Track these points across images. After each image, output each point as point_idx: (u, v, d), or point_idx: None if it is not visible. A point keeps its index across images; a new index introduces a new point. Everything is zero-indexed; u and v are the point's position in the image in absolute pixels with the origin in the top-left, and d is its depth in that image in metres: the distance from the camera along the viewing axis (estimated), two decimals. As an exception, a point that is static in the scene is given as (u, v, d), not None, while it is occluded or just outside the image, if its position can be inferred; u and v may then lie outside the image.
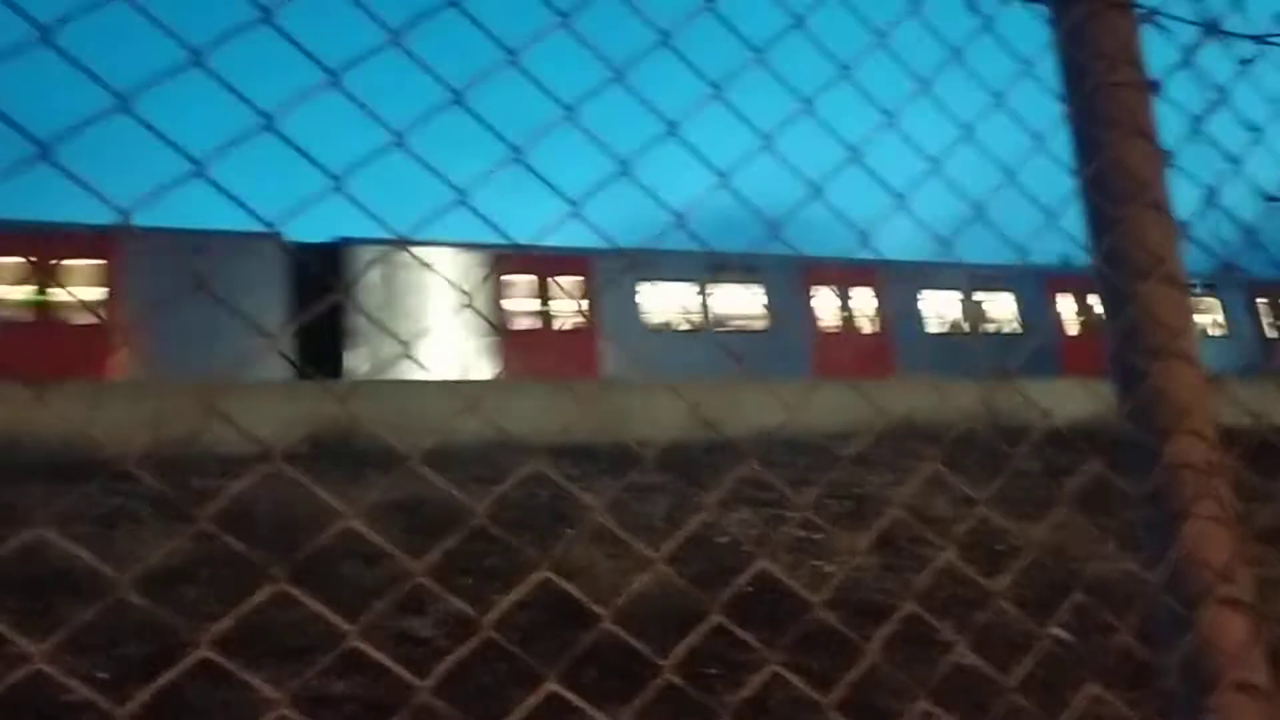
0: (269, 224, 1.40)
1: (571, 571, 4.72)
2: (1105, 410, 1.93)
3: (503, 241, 1.73)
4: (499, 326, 17.37)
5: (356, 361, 15.34)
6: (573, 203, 1.77)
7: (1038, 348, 18.88)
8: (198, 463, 8.32)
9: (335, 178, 1.52)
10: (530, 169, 1.67)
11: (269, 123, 1.45)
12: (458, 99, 1.60)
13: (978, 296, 21.43)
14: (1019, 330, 21.59)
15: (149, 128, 1.31)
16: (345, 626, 1.34)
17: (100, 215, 1.27)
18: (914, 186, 2.13)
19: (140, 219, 1.23)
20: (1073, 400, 4.36)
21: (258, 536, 4.82)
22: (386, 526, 5.70)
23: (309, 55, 1.50)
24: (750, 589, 4.91)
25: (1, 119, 1.18)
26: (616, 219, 1.84)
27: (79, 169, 1.25)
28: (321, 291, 1.54)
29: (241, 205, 1.44)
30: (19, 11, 1.21)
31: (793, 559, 5.69)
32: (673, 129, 1.84)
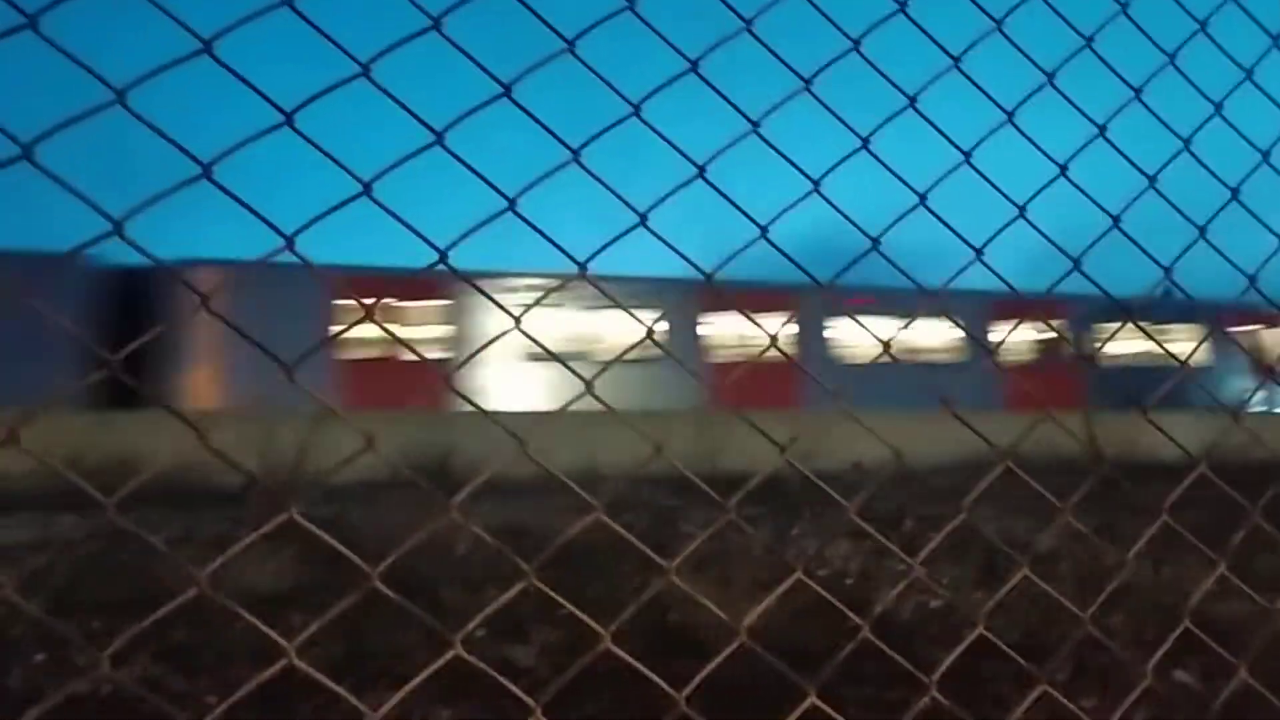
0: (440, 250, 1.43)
1: (673, 602, 4.65)
2: (1248, 441, 1.81)
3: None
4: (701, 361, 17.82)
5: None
6: (642, 216, 1.74)
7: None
8: (303, 489, 8.49)
9: (509, 201, 1.53)
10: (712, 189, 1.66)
11: (439, 139, 1.47)
12: (634, 111, 1.59)
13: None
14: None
15: (316, 146, 1.33)
16: (455, 647, 1.31)
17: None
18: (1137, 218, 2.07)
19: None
20: (1195, 431, 4.14)
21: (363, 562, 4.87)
22: (488, 552, 5.72)
23: (481, 67, 1.52)
24: (856, 623, 4.77)
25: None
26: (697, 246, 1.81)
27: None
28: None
29: (410, 228, 1.45)
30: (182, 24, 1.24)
31: (897, 592, 5.54)
32: (865, 143, 1.81)
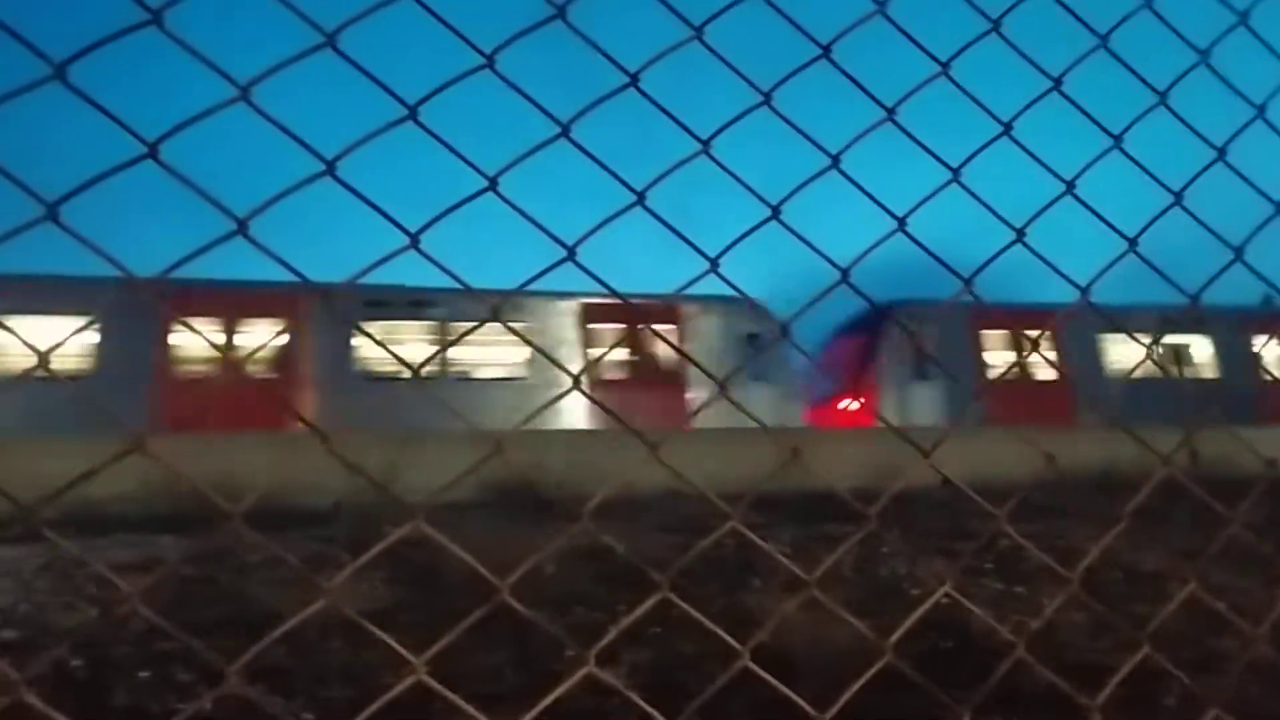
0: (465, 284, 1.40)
1: (762, 623, 4.57)
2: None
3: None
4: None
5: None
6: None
7: None
8: (390, 510, 8.60)
9: (568, 249, 1.51)
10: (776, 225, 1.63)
11: (491, 186, 1.46)
12: (703, 149, 1.57)
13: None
14: None
15: (354, 192, 1.34)
16: (589, 663, 1.30)
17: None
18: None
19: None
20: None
21: (449, 583, 4.92)
22: (574, 574, 5.73)
23: (536, 105, 1.51)
24: (950, 644, 4.67)
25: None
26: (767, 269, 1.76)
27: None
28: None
29: (447, 270, 1.44)
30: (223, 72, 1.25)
31: (994, 614, 5.39)
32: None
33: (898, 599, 5.80)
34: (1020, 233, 1.89)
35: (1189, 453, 7.00)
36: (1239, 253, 2.09)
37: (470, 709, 1.39)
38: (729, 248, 1.65)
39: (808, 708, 1.64)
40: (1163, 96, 2.02)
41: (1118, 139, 1.97)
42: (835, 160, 1.73)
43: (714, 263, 1.63)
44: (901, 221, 1.79)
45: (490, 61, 1.44)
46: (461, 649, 1.16)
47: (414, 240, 1.37)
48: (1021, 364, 18.91)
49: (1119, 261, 1.96)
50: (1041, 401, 17.15)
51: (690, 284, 1.67)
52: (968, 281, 1.86)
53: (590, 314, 18.03)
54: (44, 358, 1.13)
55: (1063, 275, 1.94)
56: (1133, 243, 1.98)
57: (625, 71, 1.57)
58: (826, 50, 1.74)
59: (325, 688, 4.25)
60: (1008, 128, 1.89)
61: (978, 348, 19.70)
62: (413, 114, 1.37)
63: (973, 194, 1.87)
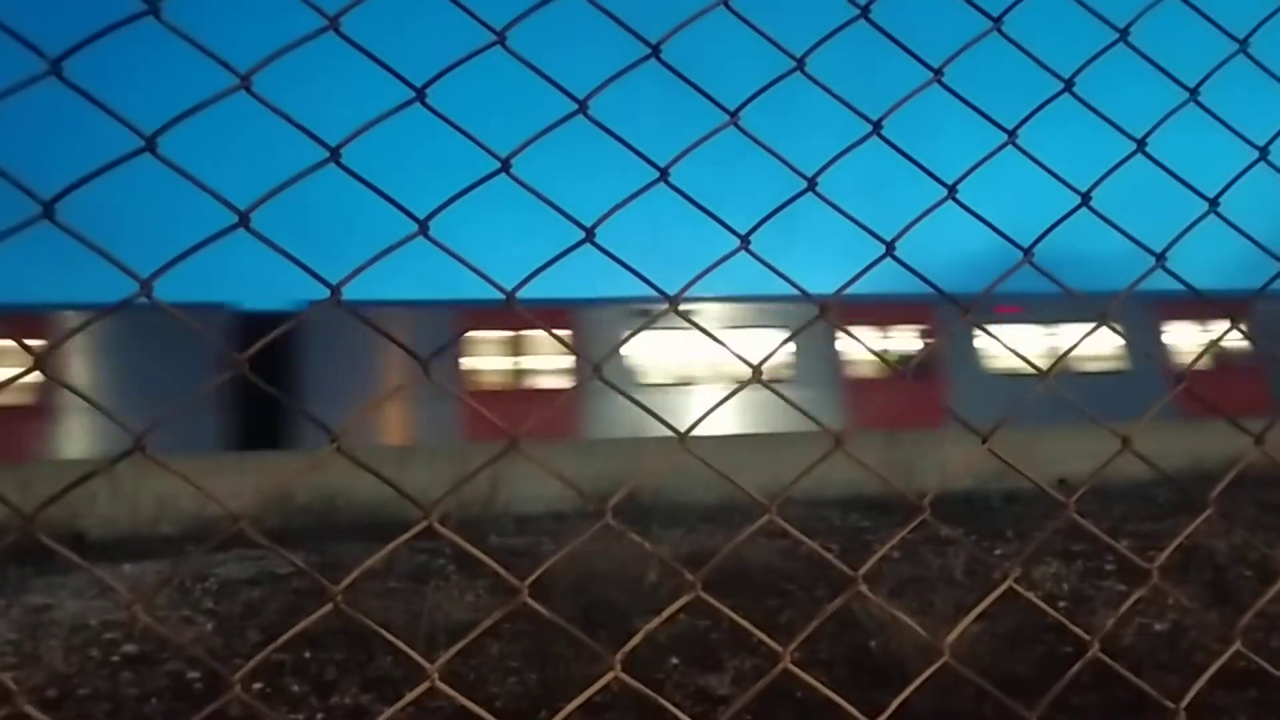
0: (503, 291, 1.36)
1: (871, 628, 4.49)
2: None
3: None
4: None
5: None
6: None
7: None
8: (496, 521, 8.70)
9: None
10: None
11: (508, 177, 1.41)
12: (809, 186, 1.52)
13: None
14: None
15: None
16: (615, 668, 1.26)
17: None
18: None
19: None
20: None
21: (555, 592, 4.92)
22: (675, 580, 5.66)
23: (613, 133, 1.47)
24: (1069, 649, 4.49)
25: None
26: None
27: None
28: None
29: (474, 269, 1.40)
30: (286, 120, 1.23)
31: (1116, 616, 5.18)
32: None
33: (1013, 602, 5.61)
34: (1086, 196, 1.79)
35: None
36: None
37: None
38: (759, 224, 1.59)
39: (856, 712, 1.56)
40: (1242, 44, 1.90)
41: (1193, 91, 1.86)
42: (951, 193, 1.65)
43: (745, 239, 1.57)
44: (952, 190, 1.71)
45: (583, 108, 1.40)
46: (564, 659, 1.13)
47: (423, 226, 1.32)
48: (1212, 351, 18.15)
49: (1200, 222, 1.84)
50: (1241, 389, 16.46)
51: (720, 262, 1.59)
52: (1027, 252, 1.77)
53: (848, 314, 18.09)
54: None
55: (1135, 241, 1.82)
56: (1213, 203, 1.86)
57: (724, 109, 1.52)
58: (997, 22, 1.67)
59: (433, 697, 4.28)
60: (1067, 83, 1.80)
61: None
62: (505, 167, 1.34)
63: (1030, 156, 1.78)
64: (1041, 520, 7.38)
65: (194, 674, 4.79)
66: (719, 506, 8.28)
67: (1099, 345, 18.28)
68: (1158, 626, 4.92)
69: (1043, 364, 1.84)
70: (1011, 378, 17.16)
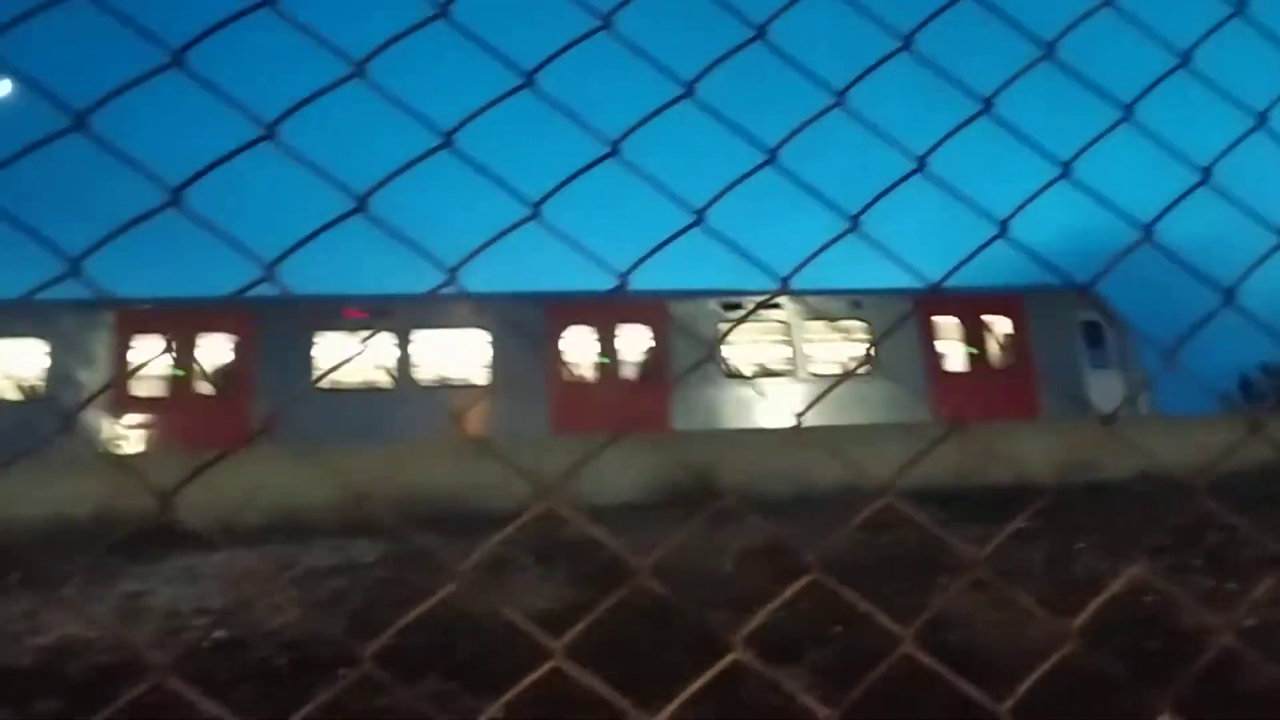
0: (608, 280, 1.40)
1: (951, 622, 4.44)
2: None
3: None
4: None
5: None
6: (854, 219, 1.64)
7: None
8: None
9: (697, 213, 1.50)
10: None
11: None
12: (920, 166, 1.54)
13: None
14: None
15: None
16: (735, 649, 1.28)
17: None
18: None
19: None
20: None
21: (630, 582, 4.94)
22: (752, 572, 5.69)
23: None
24: (1157, 646, 4.40)
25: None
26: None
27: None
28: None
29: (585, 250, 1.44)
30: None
31: (1204, 611, 5.06)
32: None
33: (1095, 598, 5.50)
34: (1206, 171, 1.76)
35: None
36: None
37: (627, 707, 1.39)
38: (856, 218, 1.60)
39: (985, 699, 1.57)
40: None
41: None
42: (1066, 169, 1.65)
43: (855, 220, 1.58)
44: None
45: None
46: (640, 651, 1.16)
47: (533, 215, 1.37)
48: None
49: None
50: None
51: (831, 243, 1.61)
52: (1147, 229, 1.75)
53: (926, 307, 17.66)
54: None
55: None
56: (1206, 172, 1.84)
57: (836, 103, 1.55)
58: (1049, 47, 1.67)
59: (511, 685, 4.35)
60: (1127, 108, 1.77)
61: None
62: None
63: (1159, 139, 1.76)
64: (1125, 514, 7.23)
65: (281, 660, 4.93)
66: (794, 498, 8.25)
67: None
68: (1249, 622, 4.81)
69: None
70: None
